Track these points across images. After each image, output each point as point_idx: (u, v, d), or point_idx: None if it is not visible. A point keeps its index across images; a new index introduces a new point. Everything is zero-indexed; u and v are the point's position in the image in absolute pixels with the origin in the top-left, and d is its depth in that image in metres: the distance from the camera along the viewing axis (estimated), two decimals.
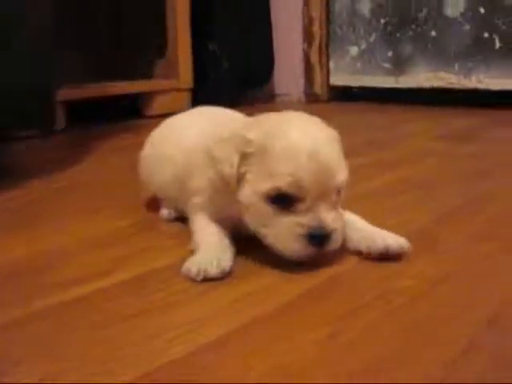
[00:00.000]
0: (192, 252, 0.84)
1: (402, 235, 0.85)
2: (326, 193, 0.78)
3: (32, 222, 1.08)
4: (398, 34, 2.63)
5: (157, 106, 2.48)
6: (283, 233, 0.78)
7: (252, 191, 0.80)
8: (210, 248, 0.82)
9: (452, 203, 1.11)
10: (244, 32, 2.74)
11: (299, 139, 0.79)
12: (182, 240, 0.94)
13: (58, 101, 1.99)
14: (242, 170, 0.80)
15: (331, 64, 2.86)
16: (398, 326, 0.64)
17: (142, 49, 2.63)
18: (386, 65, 2.68)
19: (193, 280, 0.77)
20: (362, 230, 0.86)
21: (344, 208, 0.89)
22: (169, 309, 0.70)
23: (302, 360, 0.57)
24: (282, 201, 0.77)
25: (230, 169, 0.81)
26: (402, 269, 0.80)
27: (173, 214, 1.05)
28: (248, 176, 0.80)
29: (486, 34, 2.37)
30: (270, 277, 0.79)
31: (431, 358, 0.57)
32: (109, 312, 0.70)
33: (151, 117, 2.46)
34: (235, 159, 0.80)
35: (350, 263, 0.83)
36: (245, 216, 0.83)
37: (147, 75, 2.62)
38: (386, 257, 0.82)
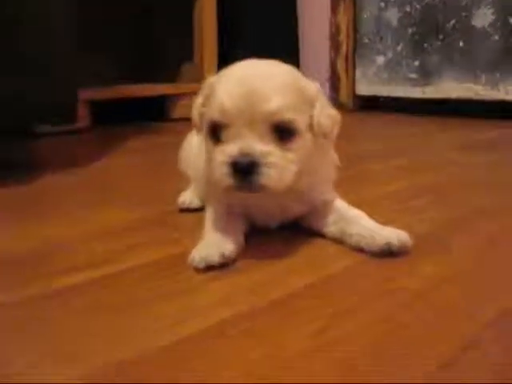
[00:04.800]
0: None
1: (409, 236, 0.83)
2: (255, 122, 0.76)
3: (43, 213, 1.10)
4: (425, 44, 2.62)
5: (181, 108, 2.50)
6: (215, 163, 0.78)
7: (204, 128, 0.83)
8: (214, 236, 0.82)
9: (464, 209, 1.09)
10: (271, 37, 2.75)
11: (235, 72, 0.81)
12: (188, 233, 0.94)
13: (84, 100, 2.04)
14: (204, 109, 0.83)
15: (357, 73, 2.85)
16: (393, 325, 0.62)
17: (170, 52, 2.65)
18: (413, 75, 2.66)
19: (196, 269, 0.77)
20: (363, 226, 0.85)
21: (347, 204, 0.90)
22: (167, 298, 0.70)
23: (291, 353, 0.57)
24: (216, 131, 0.79)
25: (194, 110, 0.86)
26: (406, 268, 0.78)
27: (194, 203, 1.08)
28: (205, 115, 0.83)
29: None
30: (272, 269, 0.79)
31: (423, 359, 0.55)
32: (103, 301, 0.70)
33: (176, 119, 2.49)
34: (199, 101, 0.85)
35: (352, 260, 0.82)
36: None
37: (173, 78, 2.64)
38: (388, 253, 0.81)
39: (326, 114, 0.83)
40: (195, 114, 0.86)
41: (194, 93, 2.78)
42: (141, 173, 1.52)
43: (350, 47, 2.85)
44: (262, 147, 0.75)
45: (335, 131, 0.86)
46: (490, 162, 1.59)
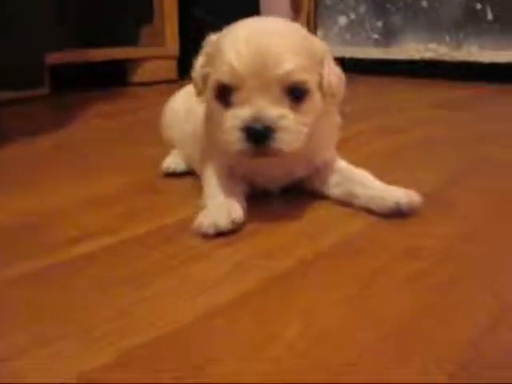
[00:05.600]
0: (201, 209, 0.80)
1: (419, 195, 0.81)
2: (267, 84, 0.72)
3: (26, 183, 1.03)
4: (388, 5, 2.59)
5: (142, 73, 2.41)
6: (225, 128, 0.73)
7: (208, 89, 0.78)
8: (220, 201, 0.78)
9: (457, 164, 1.09)
10: None
11: (242, 31, 0.75)
12: (185, 199, 0.90)
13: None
14: (207, 69, 0.79)
15: (319, 34, 2.81)
16: (420, 288, 0.60)
17: (129, 15, 2.54)
18: (376, 36, 2.64)
19: (204, 236, 0.73)
20: (370, 187, 0.83)
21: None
22: (180, 267, 0.66)
23: (328, 322, 0.54)
24: (225, 94, 0.74)
25: (195, 71, 0.81)
26: (420, 228, 0.77)
27: (179, 167, 1.03)
28: (209, 76, 0.78)
29: (479, 5, 2.34)
30: (283, 234, 0.76)
31: (458, 326, 0.53)
32: (116, 270, 0.65)
33: (136, 84, 2.39)
34: (200, 61, 0.81)
35: (363, 222, 0.79)
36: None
37: (133, 42, 2.54)
38: (399, 213, 0.79)
39: (335, 73, 0.79)
40: (196, 74, 0.81)
41: (155, 57, 2.67)
42: (112, 139, 1.44)
43: (311, 8, 2.80)
44: (275, 111, 0.72)
45: (342, 91, 0.82)
46: (466, 120, 1.59)
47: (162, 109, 1.15)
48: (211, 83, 0.76)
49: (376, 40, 2.65)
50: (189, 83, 1.06)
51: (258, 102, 0.71)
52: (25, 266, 0.67)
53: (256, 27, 0.76)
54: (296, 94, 0.73)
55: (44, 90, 1.96)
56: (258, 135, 0.71)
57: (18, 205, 0.90)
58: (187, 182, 1.00)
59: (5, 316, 0.56)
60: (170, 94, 1.16)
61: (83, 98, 2.06)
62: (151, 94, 2.20)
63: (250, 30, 0.75)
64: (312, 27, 2.83)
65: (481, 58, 2.36)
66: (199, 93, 0.83)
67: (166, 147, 1.12)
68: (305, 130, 0.75)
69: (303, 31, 0.80)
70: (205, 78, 0.79)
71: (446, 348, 0.49)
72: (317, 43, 0.79)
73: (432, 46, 2.48)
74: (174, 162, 1.04)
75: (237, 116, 0.72)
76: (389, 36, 2.61)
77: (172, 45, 2.50)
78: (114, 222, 0.81)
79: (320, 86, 0.77)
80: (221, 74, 0.73)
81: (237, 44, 0.73)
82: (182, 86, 1.12)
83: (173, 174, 1.03)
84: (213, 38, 0.80)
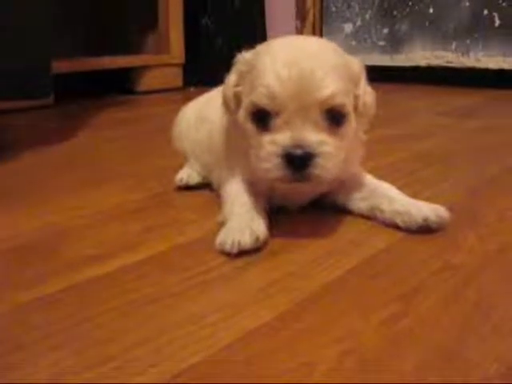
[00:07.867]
0: (220, 225, 0.77)
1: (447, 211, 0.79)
2: (307, 108, 0.70)
3: (36, 197, 1.00)
4: (394, 12, 2.57)
5: (147, 81, 2.38)
6: (263, 154, 0.71)
7: (242, 110, 0.76)
8: (242, 217, 0.75)
9: (477, 176, 1.07)
10: (236, 7, 2.65)
11: (280, 51, 0.73)
12: (203, 212, 0.88)
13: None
14: (240, 89, 0.77)
15: None
16: (459, 309, 0.57)
17: (133, 22, 2.52)
18: (382, 43, 2.62)
19: (227, 254, 0.70)
20: (396, 201, 0.80)
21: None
22: (206, 288, 0.63)
23: (366, 348, 0.51)
24: (261, 117, 0.72)
25: (226, 90, 0.79)
26: (450, 243, 0.74)
27: (193, 180, 1.00)
28: (242, 96, 0.76)
29: (486, 12, 2.32)
30: (311, 251, 0.73)
31: (504, 352, 0.50)
32: (136, 293, 0.62)
33: (141, 92, 2.36)
34: (232, 79, 0.78)
35: (390, 238, 0.76)
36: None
37: (138, 50, 2.51)
38: (427, 229, 0.76)
39: (368, 92, 0.78)
40: (228, 93, 0.78)
41: (160, 64, 2.64)
42: (121, 150, 1.41)
43: (316, 15, 2.78)
44: (315, 136, 0.70)
45: (374, 110, 0.80)
46: (476, 128, 1.57)
47: (173, 119, 1.13)
48: (246, 105, 0.74)
49: (382, 47, 2.62)
50: (194, 90, 1.04)
51: (298, 126, 0.69)
52: (43, 288, 0.64)
53: (294, 48, 0.74)
54: (335, 117, 0.72)
55: (49, 100, 1.93)
56: (298, 162, 0.68)
57: (28, 220, 0.87)
58: (202, 195, 0.98)
59: (26, 342, 0.53)
60: (176, 101, 1.13)
61: (88, 107, 2.03)
62: (157, 103, 2.17)
63: (289, 51, 0.72)
64: (318, 34, 2.81)
65: (488, 64, 2.34)
66: (231, 112, 0.80)
67: (177, 158, 1.09)
68: (343, 154, 0.73)
69: (340, 50, 0.78)
70: (237, 96, 0.77)
71: (495, 378, 0.46)
72: (353, 62, 0.78)
73: (439, 52, 2.46)
74: (187, 174, 1.02)
75: (276, 142, 0.70)
76: (395, 43, 2.59)
77: (177, 52, 2.48)
78: (132, 239, 0.78)
79: (355, 106, 0.76)
80: (258, 97, 0.71)
81: (276, 66, 0.70)
82: (186, 94, 1.10)
83: (186, 187, 1.01)
84: (246, 55, 0.78)
